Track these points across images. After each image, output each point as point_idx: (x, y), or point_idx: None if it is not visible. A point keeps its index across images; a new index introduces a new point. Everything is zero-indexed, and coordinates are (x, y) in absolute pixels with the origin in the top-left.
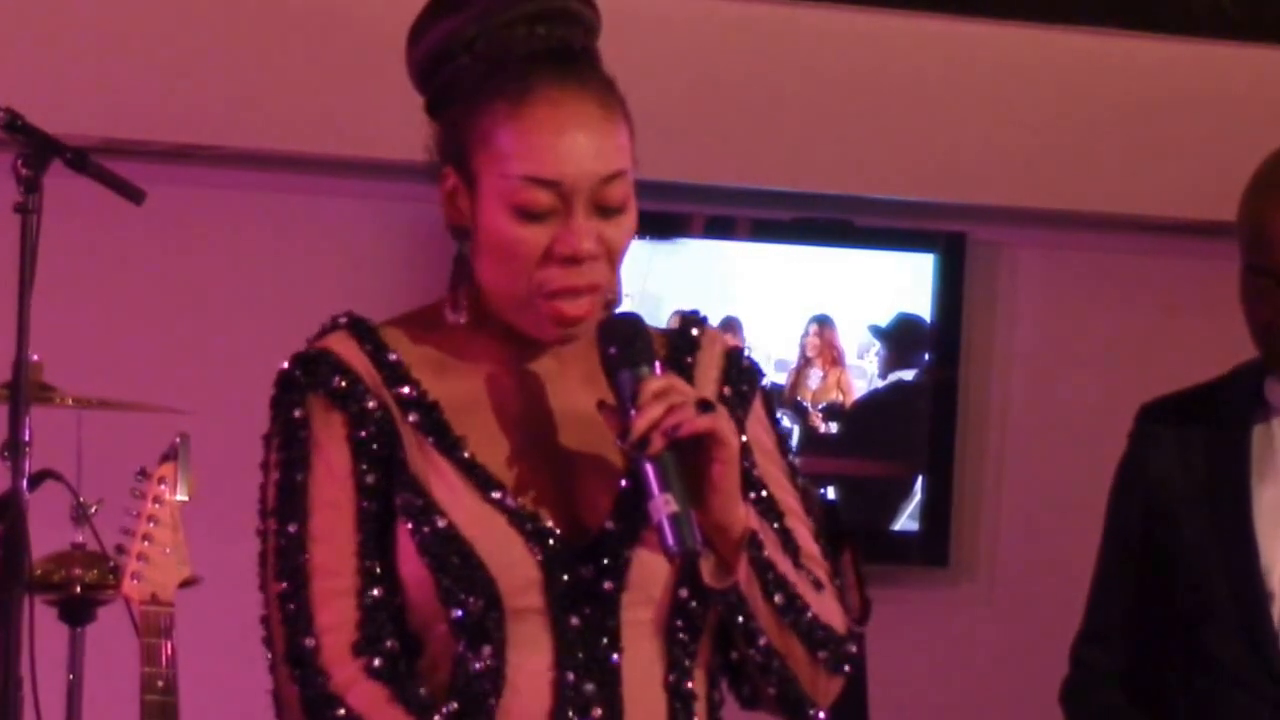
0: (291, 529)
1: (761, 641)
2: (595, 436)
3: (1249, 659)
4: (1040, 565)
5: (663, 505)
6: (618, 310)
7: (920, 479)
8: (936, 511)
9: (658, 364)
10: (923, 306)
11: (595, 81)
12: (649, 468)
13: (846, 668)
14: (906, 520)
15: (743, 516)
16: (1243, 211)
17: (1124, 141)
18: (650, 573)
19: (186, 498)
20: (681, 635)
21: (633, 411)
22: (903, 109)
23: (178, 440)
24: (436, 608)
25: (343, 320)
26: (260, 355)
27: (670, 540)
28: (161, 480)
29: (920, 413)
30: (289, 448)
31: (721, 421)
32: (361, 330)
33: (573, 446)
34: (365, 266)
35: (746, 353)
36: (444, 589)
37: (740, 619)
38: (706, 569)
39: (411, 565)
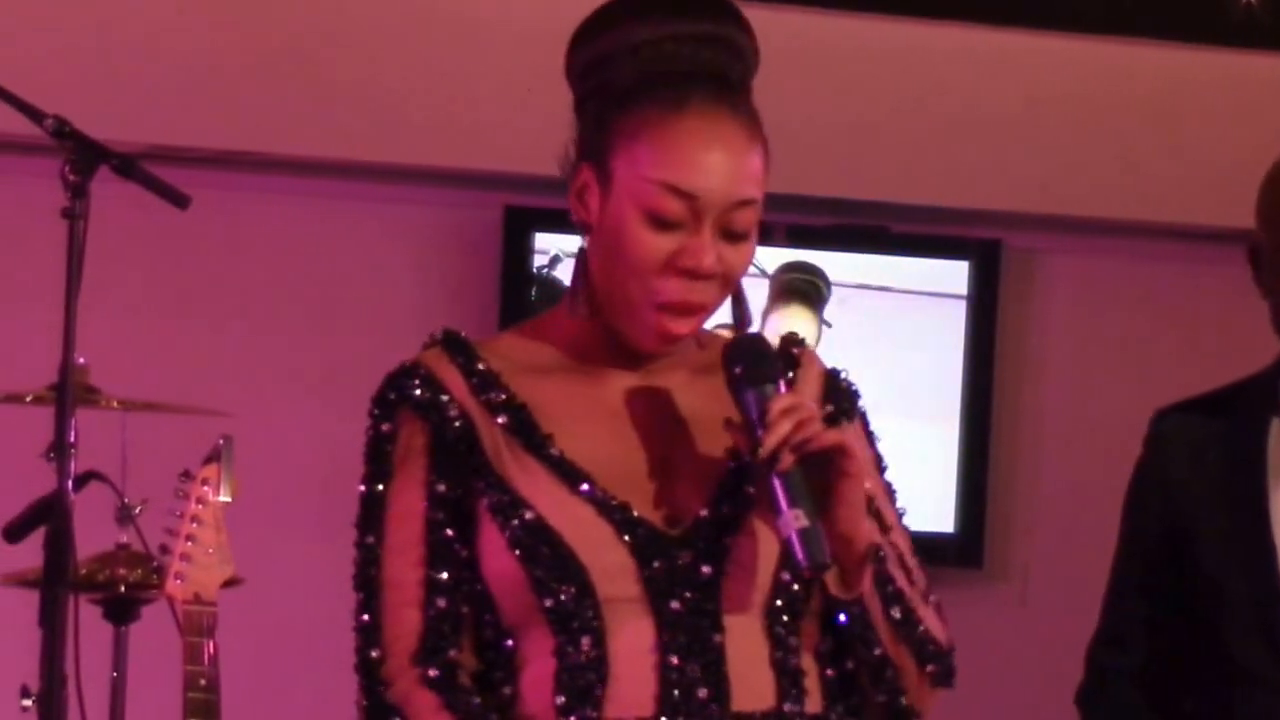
0: (369, 541)
1: (877, 652)
2: (697, 432)
3: (1267, 658)
4: (1074, 567)
5: (792, 520)
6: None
7: (955, 481)
8: (971, 514)
9: (782, 383)
10: (958, 312)
11: (745, 110)
12: (778, 484)
13: (948, 682)
14: (941, 522)
15: (867, 530)
16: (1265, 195)
17: (1159, 149)
18: (750, 557)
19: (229, 499)
20: (784, 616)
21: (760, 430)
22: (940, 117)
23: (221, 442)
24: (531, 600)
25: (438, 336)
26: (302, 359)
27: (800, 555)
28: (205, 481)
29: (955, 417)
30: (375, 461)
31: (849, 436)
32: (454, 344)
33: (674, 442)
34: (406, 271)
35: (844, 374)
36: (536, 579)
37: (860, 629)
38: (832, 581)
39: (502, 561)
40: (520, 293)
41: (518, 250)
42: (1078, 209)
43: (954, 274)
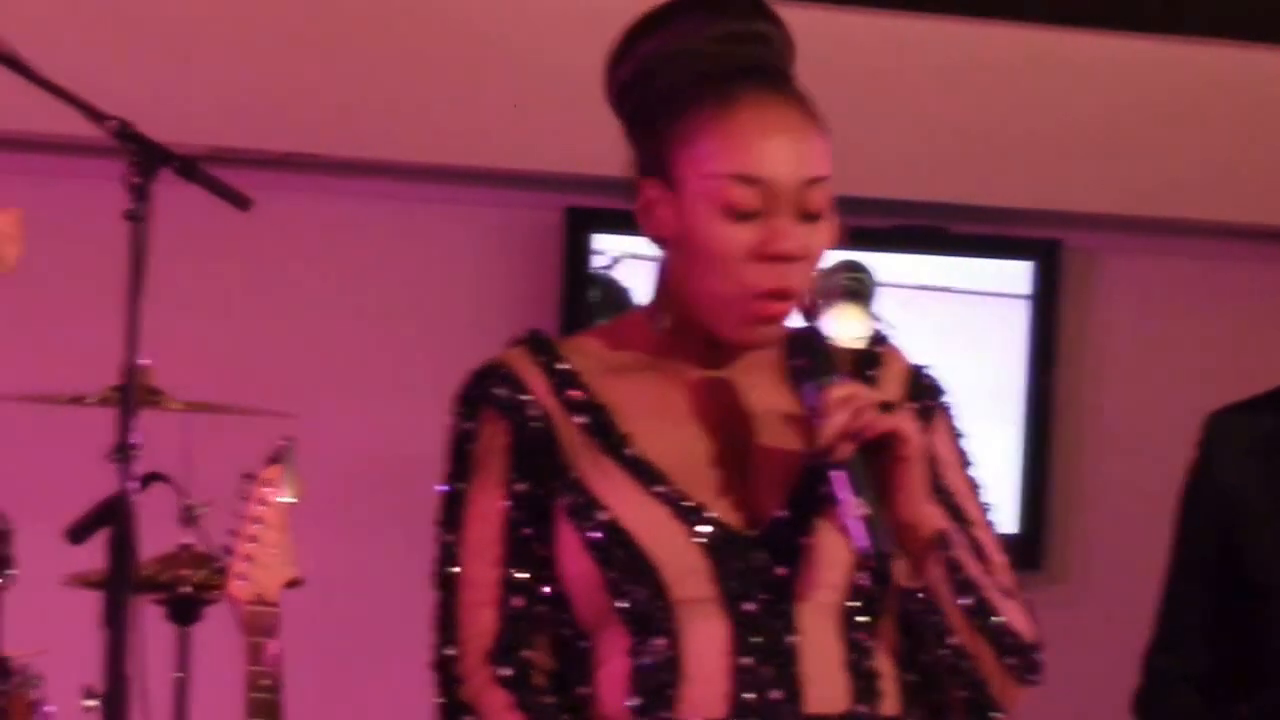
0: (449, 539)
1: (951, 641)
2: (775, 434)
3: None
4: (1134, 568)
5: (853, 508)
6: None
7: (1016, 482)
8: (1032, 514)
9: (841, 375)
10: (1018, 313)
11: (795, 94)
12: (838, 473)
13: (1033, 677)
14: (1003, 523)
15: (931, 516)
16: None
17: (1219, 149)
18: (825, 558)
19: (293, 500)
20: (860, 617)
21: (819, 421)
22: (998, 117)
23: (284, 443)
24: (605, 601)
25: (523, 336)
26: (364, 360)
27: (862, 542)
28: (268, 483)
29: (1016, 417)
30: (456, 459)
31: (904, 421)
32: (538, 343)
33: (752, 443)
34: (467, 273)
35: (928, 371)
36: (610, 581)
37: (931, 618)
38: (901, 571)
39: (578, 563)
40: (580, 294)
41: (578, 251)
42: (1138, 209)
43: (1015, 275)
